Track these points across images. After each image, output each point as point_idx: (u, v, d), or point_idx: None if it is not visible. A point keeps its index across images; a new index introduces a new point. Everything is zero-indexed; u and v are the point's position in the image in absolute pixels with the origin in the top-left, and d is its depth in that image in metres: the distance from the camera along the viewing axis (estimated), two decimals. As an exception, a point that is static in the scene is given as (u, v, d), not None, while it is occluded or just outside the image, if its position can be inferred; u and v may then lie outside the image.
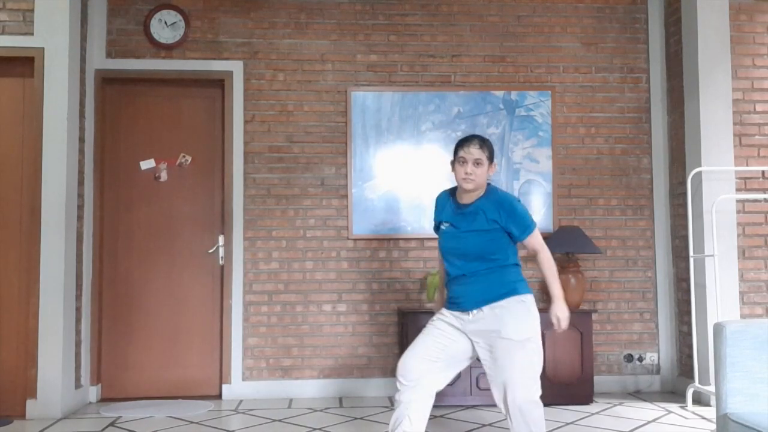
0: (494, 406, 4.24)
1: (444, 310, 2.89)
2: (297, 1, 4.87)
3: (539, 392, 2.72)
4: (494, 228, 2.78)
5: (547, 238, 4.68)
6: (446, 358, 2.81)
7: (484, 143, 2.84)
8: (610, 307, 4.85)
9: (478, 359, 2.83)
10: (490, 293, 2.76)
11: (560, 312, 2.77)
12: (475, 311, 2.77)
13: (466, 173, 2.78)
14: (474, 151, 2.79)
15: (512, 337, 2.69)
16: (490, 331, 2.73)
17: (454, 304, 2.84)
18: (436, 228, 2.99)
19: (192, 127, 4.84)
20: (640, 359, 4.83)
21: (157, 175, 4.80)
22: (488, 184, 2.90)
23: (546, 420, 3.92)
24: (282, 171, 4.78)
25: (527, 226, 2.81)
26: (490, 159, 2.84)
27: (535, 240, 2.82)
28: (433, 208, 3.03)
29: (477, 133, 4.79)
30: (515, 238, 2.81)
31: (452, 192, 2.96)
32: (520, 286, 2.79)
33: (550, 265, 2.82)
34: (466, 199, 2.86)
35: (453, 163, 2.86)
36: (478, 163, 2.79)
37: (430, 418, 3.98)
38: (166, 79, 4.77)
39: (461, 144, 2.85)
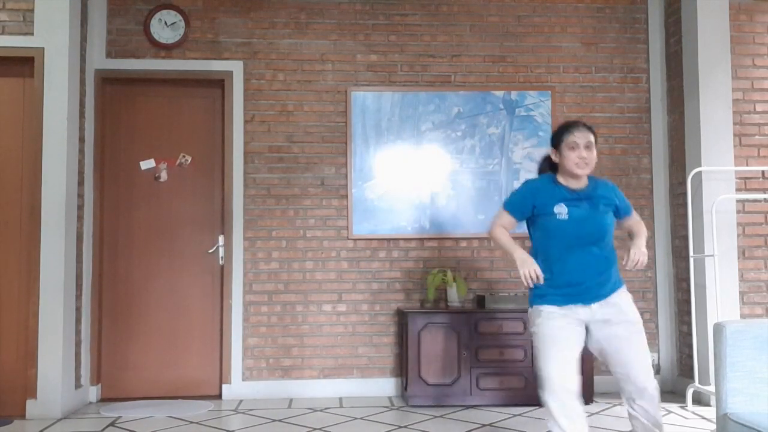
0: (494, 406, 4.28)
1: (557, 309, 2.73)
2: (297, 1, 4.87)
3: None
4: (611, 209, 2.83)
5: (547, 238, 4.69)
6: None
7: (591, 129, 2.81)
8: (610, 307, 4.84)
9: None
10: (615, 279, 2.79)
11: (641, 253, 2.77)
12: (607, 299, 2.75)
13: (581, 157, 2.73)
14: (585, 135, 2.75)
15: (636, 318, 2.77)
16: (619, 315, 2.75)
17: (577, 294, 2.73)
18: (511, 209, 2.86)
19: (192, 127, 4.84)
20: (640, 359, 4.82)
21: (157, 175, 4.80)
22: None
23: (546, 420, 3.94)
24: (282, 171, 4.78)
25: (629, 204, 2.96)
26: (596, 144, 2.81)
27: (636, 216, 2.96)
28: (520, 188, 2.92)
29: (475, 133, 4.84)
30: (623, 214, 2.89)
31: (552, 179, 2.85)
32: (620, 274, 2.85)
33: (643, 228, 2.91)
34: (576, 185, 2.79)
35: (558, 149, 2.78)
36: (589, 147, 2.75)
37: (430, 418, 4.00)
38: (166, 79, 4.77)
39: (568, 129, 2.78)
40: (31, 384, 4.02)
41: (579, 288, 2.73)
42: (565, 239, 2.74)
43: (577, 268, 2.73)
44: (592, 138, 2.77)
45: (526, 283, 2.72)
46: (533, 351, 2.87)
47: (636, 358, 2.70)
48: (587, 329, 2.77)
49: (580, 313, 2.73)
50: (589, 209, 2.76)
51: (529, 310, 2.84)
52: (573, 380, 2.64)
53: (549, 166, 2.91)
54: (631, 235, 2.90)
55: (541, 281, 2.72)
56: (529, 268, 2.70)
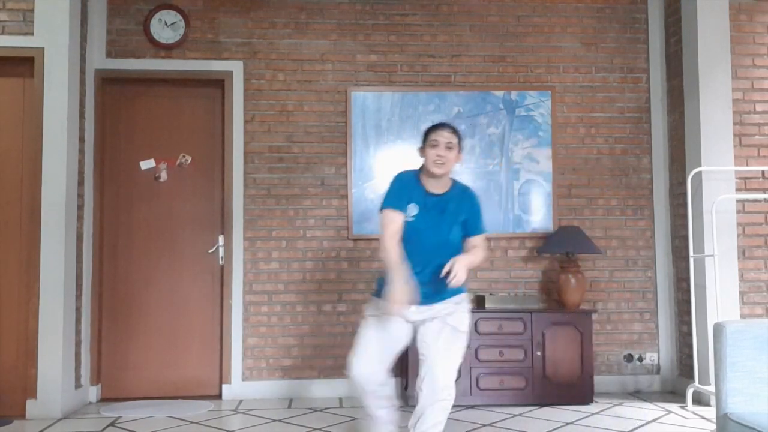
0: (494, 406, 4.28)
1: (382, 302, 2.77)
2: (297, 1, 4.87)
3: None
4: (457, 222, 2.81)
5: (547, 238, 4.70)
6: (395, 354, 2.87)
7: (456, 131, 2.86)
8: (610, 307, 4.85)
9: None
10: (442, 293, 2.76)
11: (462, 259, 2.69)
12: (434, 305, 2.78)
13: (438, 155, 2.78)
14: (446, 135, 2.81)
15: (457, 326, 2.80)
16: (435, 320, 2.79)
17: (428, 293, 2.78)
18: (394, 205, 2.80)
19: (192, 127, 4.84)
20: (640, 359, 4.83)
21: (157, 175, 4.80)
22: (452, 178, 2.91)
23: (546, 420, 3.96)
24: (282, 171, 4.78)
25: (482, 225, 2.89)
26: (460, 147, 2.86)
27: (481, 239, 2.87)
28: (392, 184, 2.87)
29: (475, 133, 4.84)
30: (469, 233, 2.84)
31: (416, 176, 2.89)
32: (462, 287, 2.80)
33: (479, 257, 2.82)
34: (433, 187, 2.83)
35: (422, 148, 2.85)
36: (449, 147, 2.79)
37: (430, 418, 3.98)
38: (166, 79, 4.77)
39: (433, 129, 2.86)
40: (31, 384, 4.02)
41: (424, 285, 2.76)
42: (409, 240, 2.78)
43: (424, 272, 2.77)
44: (454, 140, 2.81)
45: (389, 309, 2.67)
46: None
47: (439, 361, 2.77)
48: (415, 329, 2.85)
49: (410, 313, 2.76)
50: (435, 218, 2.79)
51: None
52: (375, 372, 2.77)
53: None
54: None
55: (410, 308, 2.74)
56: (397, 304, 2.62)
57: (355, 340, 2.85)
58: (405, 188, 2.84)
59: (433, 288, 2.75)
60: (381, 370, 2.78)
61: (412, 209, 2.79)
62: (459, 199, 2.83)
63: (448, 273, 2.63)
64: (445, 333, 2.78)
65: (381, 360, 2.78)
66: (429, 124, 3.00)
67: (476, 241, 2.85)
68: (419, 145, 2.90)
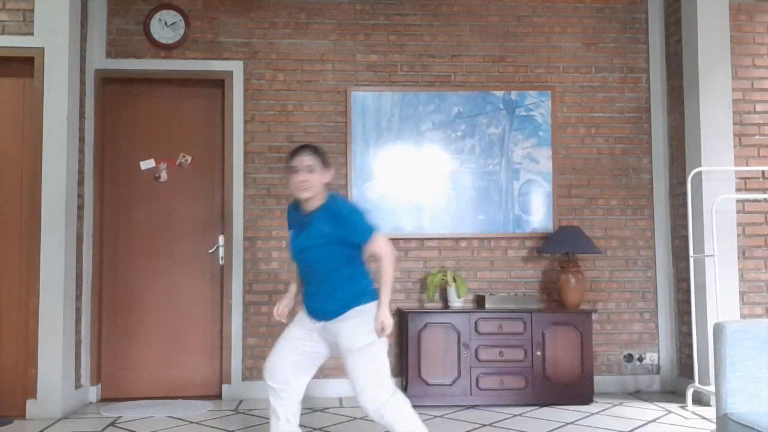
0: (494, 405, 4.28)
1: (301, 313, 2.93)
2: (297, 1, 4.87)
3: (388, 393, 2.76)
4: (328, 241, 2.75)
5: (547, 238, 4.70)
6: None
7: (316, 151, 2.82)
8: (610, 307, 4.85)
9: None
10: (330, 307, 2.78)
11: (384, 318, 2.72)
12: (322, 323, 2.83)
13: (300, 181, 2.76)
14: (305, 159, 2.78)
15: (350, 346, 2.75)
16: (335, 341, 2.81)
17: (309, 309, 2.88)
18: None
19: (192, 127, 4.84)
20: (640, 359, 4.83)
21: (157, 175, 4.80)
22: (331, 193, 2.87)
23: (546, 420, 3.96)
24: (282, 171, 4.78)
25: (365, 230, 2.77)
26: (324, 165, 2.81)
27: (377, 244, 2.77)
28: (288, 217, 3.00)
29: (475, 133, 4.84)
30: (357, 244, 2.78)
31: (297, 201, 2.91)
32: (361, 297, 2.78)
33: (387, 272, 2.75)
34: (307, 207, 2.83)
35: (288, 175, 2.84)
36: (310, 170, 2.76)
37: (430, 418, 4.00)
38: (166, 79, 4.77)
39: (292, 155, 2.83)
40: (31, 384, 4.02)
41: (307, 308, 2.87)
42: (296, 261, 2.89)
43: (306, 289, 2.88)
44: (311, 161, 2.77)
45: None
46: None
47: (356, 387, 2.81)
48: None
49: (313, 324, 2.86)
50: (305, 237, 2.80)
51: None
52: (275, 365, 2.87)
53: None
54: None
55: (283, 320, 3.00)
56: (277, 308, 3.00)
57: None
58: (289, 216, 2.97)
59: (321, 306, 2.80)
60: (287, 370, 2.88)
61: (293, 234, 2.89)
62: (326, 216, 2.78)
63: (336, 290, 2.76)
64: (348, 358, 2.79)
65: (289, 360, 2.88)
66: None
67: (372, 248, 2.77)
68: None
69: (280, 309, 3.02)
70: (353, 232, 2.77)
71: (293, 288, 3.07)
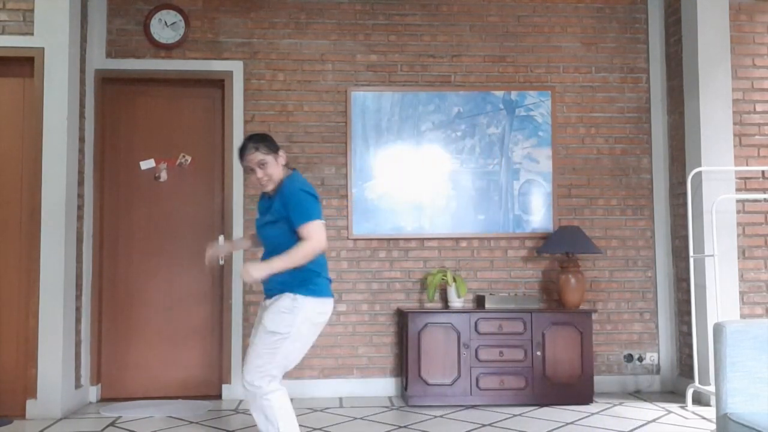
0: (494, 405, 4.28)
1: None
2: (297, 1, 4.87)
3: (264, 384, 2.73)
4: (279, 218, 2.78)
5: (547, 238, 4.70)
6: None
7: (258, 142, 2.82)
8: (610, 307, 4.85)
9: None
10: (271, 287, 2.81)
11: (253, 269, 2.68)
12: (266, 300, 2.87)
13: (259, 178, 2.82)
14: (252, 158, 2.81)
15: (265, 323, 2.75)
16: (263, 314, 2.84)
17: (264, 288, 2.91)
18: None
19: (192, 127, 4.84)
20: (640, 359, 4.83)
21: (157, 175, 4.80)
22: (291, 172, 2.89)
23: (546, 420, 3.96)
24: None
25: (305, 213, 2.73)
26: (274, 151, 2.83)
27: (308, 230, 2.72)
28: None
29: (475, 133, 4.84)
30: (292, 225, 2.75)
31: None
32: (298, 286, 2.76)
33: (299, 251, 2.70)
34: (271, 191, 2.90)
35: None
36: (263, 164, 2.80)
37: (430, 418, 4.00)
38: (166, 79, 4.77)
39: (240, 156, 2.85)
40: (31, 384, 4.02)
41: (264, 285, 2.88)
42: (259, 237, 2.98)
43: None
44: (260, 156, 2.79)
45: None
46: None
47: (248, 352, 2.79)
48: None
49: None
50: (263, 219, 2.88)
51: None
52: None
53: None
54: None
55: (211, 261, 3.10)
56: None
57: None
58: (259, 203, 3.01)
59: (267, 282, 2.83)
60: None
61: (260, 219, 2.95)
62: (280, 194, 2.81)
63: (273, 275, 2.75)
64: (255, 330, 2.83)
65: None
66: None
67: (301, 233, 2.73)
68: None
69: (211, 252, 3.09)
70: (293, 213, 2.75)
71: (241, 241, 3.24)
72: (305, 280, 2.77)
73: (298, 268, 2.75)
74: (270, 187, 2.84)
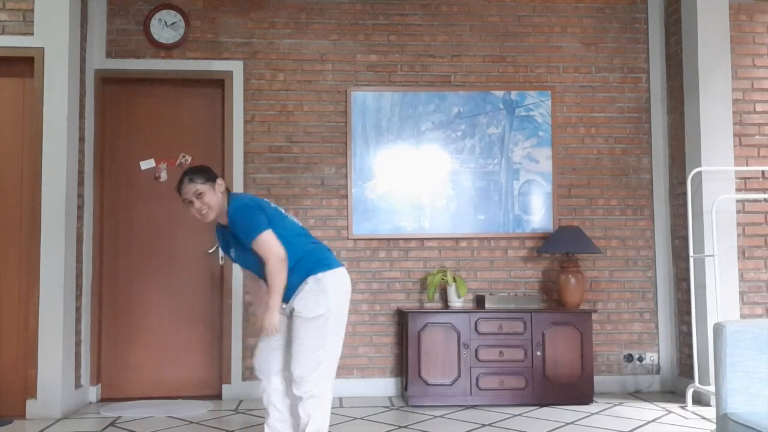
0: (494, 406, 4.28)
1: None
2: (297, 1, 4.87)
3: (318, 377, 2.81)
4: (246, 245, 2.82)
5: (547, 238, 4.70)
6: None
7: (193, 174, 2.85)
8: (610, 307, 4.85)
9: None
10: (291, 289, 2.85)
11: (266, 321, 2.80)
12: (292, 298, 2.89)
13: (197, 209, 2.84)
14: (188, 189, 2.82)
15: (303, 314, 2.81)
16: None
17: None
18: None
19: (192, 127, 4.84)
20: (640, 359, 4.83)
21: (157, 175, 4.80)
22: (230, 197, 2.90)
23: (546, 420, 3.96)
24: (282, 171, 4.78)
25: (249, 231, 2.77)
26: (210, 180, 2.84)
27: (259, 246, 2.76)
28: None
29: (475, 133, 4.84)
30: (246, 245, 2.80)
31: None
32: (302, 276, 2.85)
33: (273, 274, 2.76)
34: (222, 221, 2.92)
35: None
36: (199, 195, 2.81)
37: (430, 418, 4.00)
38: (166, 79, 4.77)
39: (178, 190, 2.88)
40: (31, 384, 4.02)
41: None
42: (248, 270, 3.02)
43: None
44: (195, 187, 2.81)
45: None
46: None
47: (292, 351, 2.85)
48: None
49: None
50: (234, 250, 2.91)
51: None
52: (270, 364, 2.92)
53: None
54: None
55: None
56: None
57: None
58: (218, 234, 3.02)
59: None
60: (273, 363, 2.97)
61: (230, 252, 2.95)
62: (231, 225, 2.86)
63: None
64: (296, 324, 2.85)
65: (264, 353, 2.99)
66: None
67: (256, 251, 2.78)
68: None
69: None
70: (240, 235, 2.80)
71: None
72: (313, 261, 2.87)
73: (296, 267, 2.84)
74: (211, 217, 2.85)
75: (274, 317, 2.77)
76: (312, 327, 2.80)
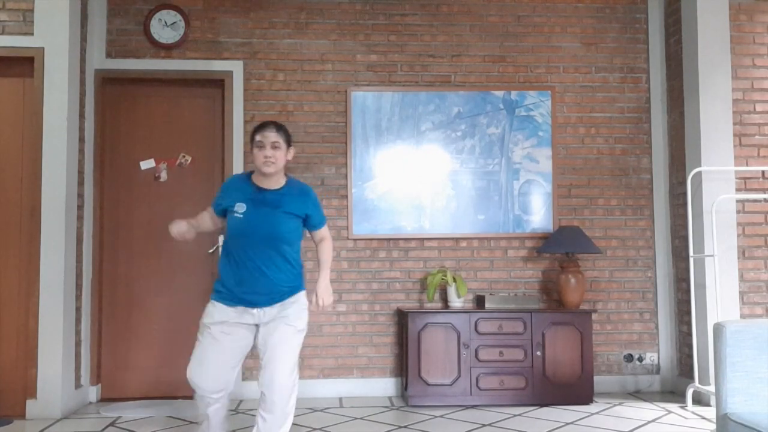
0: (494, 406, 4.28)
1: (221, 307, 2.93)
2: (297, 1, 4.87)
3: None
4: (296, 217, 2.89)
5: (547, 238, 4.70)
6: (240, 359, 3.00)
7: (281, 128, 2.91)
8: (610, 307, 4.85)
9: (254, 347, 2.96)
10: (281, 290, 2.86)
11: (323, 294, 2.95)
12: (267, 308, 2.86)
13: (266, 156, 2.83)
14: (271, 135, 2.85)
15: (295, 325, 2.87)
16: (279, 318, 2.87)
17: (240, 299, 2.87)
18: (222, 209, 2.99)
19: (192, 127, 4.84)
20: (640, 359, 4.83)
21: (157, 175, 4.80)
22: (287, 175, 2.98)
23: (546, 420, 3.96)
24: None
25: (323, 217, 3.05)
26: (288, 143, 2.91)
27: (326, 230, 3.08)
28: (221, 191, 3.05)
29: (475, 133, 4.84)
30: (313, 226, 3.00)
31: (248, 176, 2.97)
32: (302, 283, 2.99)
33: (330, 255, 3.07)
34: (266, 184, 2.89)
35: (252, 150, 2.89)
36: (275, 146, 2.84)
37: (430, 418, 4.00)
38: (166, 79, 4.77)
39: (257, 129, 2.89)
40: (31, 384, 4.02)
41: (246, 289, 2.85)
42: (239, 238, 2.87)
43: (248, 270, 2.85)
44: (279, 138, 2.85)
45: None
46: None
47: (279, 356, 2.84)
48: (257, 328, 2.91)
49: (247, 315, 2.87)
50: (268, 212, 2.85)
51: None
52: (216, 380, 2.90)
53: None
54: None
55: (187, 238, 3.07)
56: (176, 227, 3.02)
57: (195, 348, 2.97)
58: (228, 190, 2.98)
59: (268, 287, 2.85)
60: (222, 379, 2.95)
61: (240, 207, 2.86)
62: (297, 194, 2.92)
63: (280, 273, 2.84)
64: (287, 331, 2.87)
65: (221, 369, 2.93)
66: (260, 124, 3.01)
67: (323, 233, 3.06)
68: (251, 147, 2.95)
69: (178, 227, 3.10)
70: (316, 213, 2.97)
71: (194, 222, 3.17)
72: (302, 275, 2.98)
73: (300, 273, 2.96)
74: (271, 170, 2.84)
75: (329, 294, 2.95)
76: (300, 338, 2.91)
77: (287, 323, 2.85)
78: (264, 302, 2.87)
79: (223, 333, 2.89)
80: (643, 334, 4.85)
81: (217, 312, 2.92)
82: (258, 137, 2.86)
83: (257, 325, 2.91)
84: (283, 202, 2.87)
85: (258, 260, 2.84)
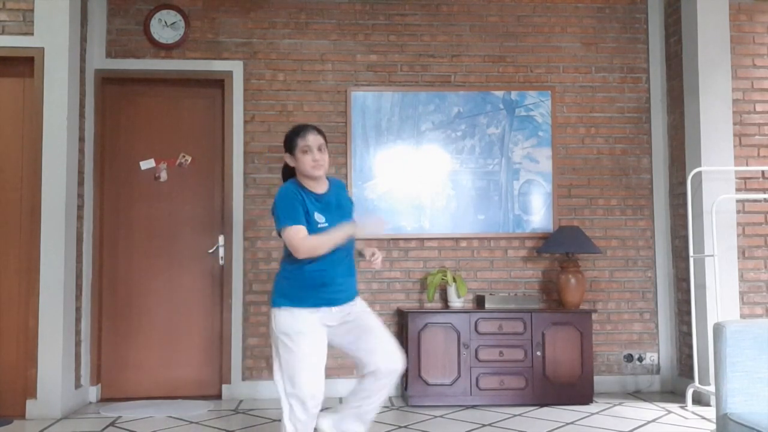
0: (494, 406, 4.28)
1: (301, 312, 2.74)
2: (297, 1, 4.87)
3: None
4: (350, 210, 2.94)
5: (547, 238, 4.70)
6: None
7: (320, 131, 2.87)
8: (610, 307, 4.85)
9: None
10: (353, 287, 2.88)
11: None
12: (345, 305, 2.82)
13: (315, 160, 2.78)
14: (316, 139, 2.81)
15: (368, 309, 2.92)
16: (356, 311, 2.86)
17: (326, 299, 2.77)
18: (296, 221, 2.72)
19: (192, 127, 4.84)
20: (640, 359, 4.83)
21: (157, 175, 4.80)
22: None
23: (546, 420, 3.97)
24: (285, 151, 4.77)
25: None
26: (327, 145, 2.89)
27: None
28: (282, 202, 2.79)
29: (475, 133, 4.84)
30: (352, 216, 2.96)
31: (299, 185, 2.83)
32: None
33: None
34: (319, 188, 2.84)
35: (292, 155, 2.81)
36: (321, 149, 2.81)
37: (430, 418, 4.00)
38: (166, 79, 4.77)
39: (298, 134, 2.81)
40: (31, 384, 4.02)
41: (332, 289, 2.79)
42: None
43: (333, 272, 2.78)
44: (322, 140, 2.83)
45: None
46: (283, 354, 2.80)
47: (384, 334, 2.86)
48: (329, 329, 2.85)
49: (327, 316, 2.79)
50: (336, 215, 2.81)
51: (275, 310, 2.78)
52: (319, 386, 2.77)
53: (289, 173, 2.93)
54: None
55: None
56: (375, 220, 2.92)
57: (291, 358, 2.74)
58: (297, 201, 2.77)
59: (348, 286, 2.84)
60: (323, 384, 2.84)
61: (319, 217, 2.76)
62: (341, 189, 2.95)
63: (354, 268, 2.87)
64: (373, 317, 2.90)
65: (322, 374, 2.82)
66: (299, 126, 2.90)
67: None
68: (285, 152, 2.86)
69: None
70: (351, 208, 2.97)
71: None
72: None
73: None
74: (320, 173, 2.79)
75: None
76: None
77: (366, 312, 2.88)
78: (344, 299, 2.83)
79: (314, 337, 2.76)
80: (643, 334, 4.85)
81: (300, 318, 2.75)
82: (301, 142, 2.78)
83: (329, 326, 2.84)
84: (342, 202, 2.89)
85: (343, 262, 2.81)
